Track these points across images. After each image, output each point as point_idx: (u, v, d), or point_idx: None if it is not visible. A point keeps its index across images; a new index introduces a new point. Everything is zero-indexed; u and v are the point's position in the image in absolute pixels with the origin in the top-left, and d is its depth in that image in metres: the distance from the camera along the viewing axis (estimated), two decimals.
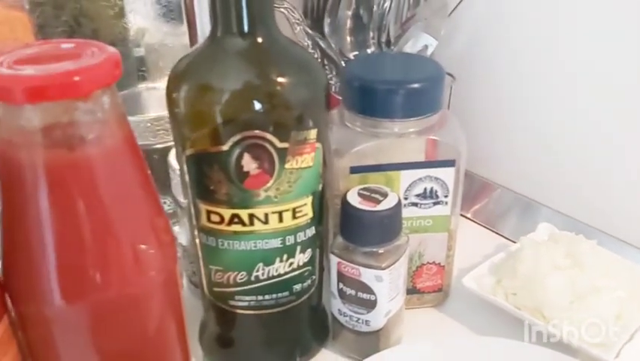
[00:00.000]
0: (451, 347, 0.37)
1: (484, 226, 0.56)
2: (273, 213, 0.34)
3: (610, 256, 0.43)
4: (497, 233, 0.54)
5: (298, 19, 0.47)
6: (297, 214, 0.35)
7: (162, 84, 0.52)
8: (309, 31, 0.48)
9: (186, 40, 0.50)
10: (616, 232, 0.48)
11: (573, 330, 0.37)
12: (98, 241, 0.27)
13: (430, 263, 0.43)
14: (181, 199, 0.42)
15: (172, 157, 0.43)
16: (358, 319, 0.38)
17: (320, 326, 0.41)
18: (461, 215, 0.56)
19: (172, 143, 0.46)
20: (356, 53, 0.51)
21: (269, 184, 0.33)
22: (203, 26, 0.49)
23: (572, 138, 0.50)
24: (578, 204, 0.51)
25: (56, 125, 0.25)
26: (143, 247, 0.29)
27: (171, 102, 0.33)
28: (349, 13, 0.52)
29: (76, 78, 0.24)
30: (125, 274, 0.28)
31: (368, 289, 0.37)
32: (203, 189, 0.33)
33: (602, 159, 0.49)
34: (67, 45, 0.26)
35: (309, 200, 0.35)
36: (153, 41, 0.50)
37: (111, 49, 0.26)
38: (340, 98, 0.42)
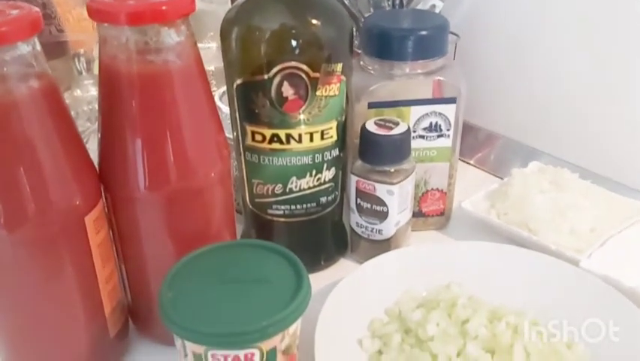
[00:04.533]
0: (438, 249, 0.45)
1: (487, 172, 0.62)
2: (306, 133, 0.41)
3: (590, 185, 0.50)
4: (498, 177, 0.61)
5: None
6: (325, 136, 0.42)
7: (204, 45, 0.61)
8: None
9: (229, 6, 0.58)
10: (605, 172, 0.54)
11: (553, 238, 0.45)
12: (176, 143, 0.35)
13: (434, 190, 0.50)
14: (228, 135, 0.50)
15: (217, 99, 0.51)
16: (372, 229, 0.46)
17: (340, 240, 0.49)
18: (466, 162, 0.64)
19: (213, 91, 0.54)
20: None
21: (303, 108, 0.40)
22: None
23: (570, 91, 0.56)
24: (575, 150, 0.57)
25: (147, 44, 0.32)
26: (207, 153, 0.37)
27: (224, 41, 0.40)
28: None
29: (164, 7, 0.32)
30: (194, 172, 0.36)
31: (381, 202, 0.45)
32: (249, 112, 0.41)
33: (597, 110, 0.55)
34: None
35: (334, 125, 0.42)
36: (199, 7, 0.58)
37: None
38: (359, 51, 0.49)
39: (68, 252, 0.34)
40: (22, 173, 0.31)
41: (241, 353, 0.31)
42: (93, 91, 0.54)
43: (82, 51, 0.54)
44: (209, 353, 0.31)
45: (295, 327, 0.33)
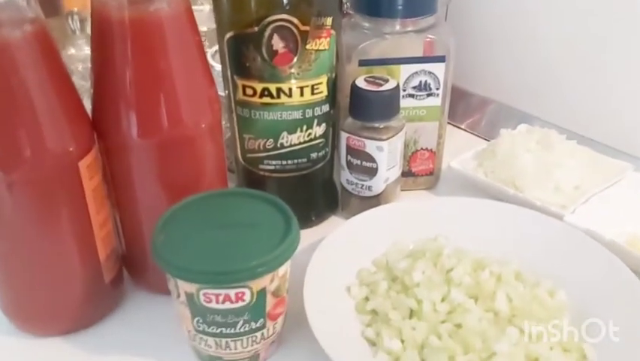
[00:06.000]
0: (425, 204, 0.46)
1: (478, 135, 0.63)
2: (296, 88, 0.42)
3: (576, 145, 0.51)
4: (489, 140, 0.62)
5: None
6: (315, 91, 0.43)
7: (197, 7, 0.61)
8: None
9: None
10: (592, 135, 0.55)
11: (539, 194, 0.46)
12: (167, 91, 0.35)
13: (424, 149, 0.51)
14: (220, 93, 0.50)
15: (210, 57, 0.51)
16: (362, 185, 0.47)
17: (331, 197, 0.50)
18: (457, 127, 0.65)
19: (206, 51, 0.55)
20: None
21: (293, 62, 0.41)
22: None
23: (561, 57, 0.57)
24: (566, 114, 0.57)
25: None
26: (198, 103, 0.37)
27: None
28: None
29: None
30: (185, 121, 0.36)
31: (371, 158, 0.45)
32: (240, 66, 0.42)
33: (591, 74, 0.55)
34: None
35: (324, 80, 0.43)
36: None
37: None
38: (351, 12, 0.49)
39: (63, 196, 0.34)
40: (16, 116, 0.32)
41: (232, 292, 0.32)
42: (87, 50, 0.54)
43: (75, 10, 0.54)
44: (201, 292, 0.32)
45: (284, 270, 0.34)
